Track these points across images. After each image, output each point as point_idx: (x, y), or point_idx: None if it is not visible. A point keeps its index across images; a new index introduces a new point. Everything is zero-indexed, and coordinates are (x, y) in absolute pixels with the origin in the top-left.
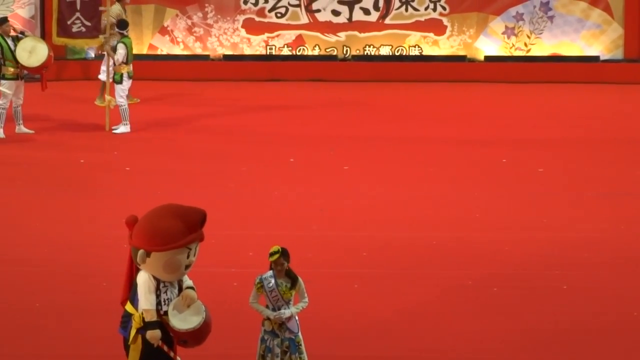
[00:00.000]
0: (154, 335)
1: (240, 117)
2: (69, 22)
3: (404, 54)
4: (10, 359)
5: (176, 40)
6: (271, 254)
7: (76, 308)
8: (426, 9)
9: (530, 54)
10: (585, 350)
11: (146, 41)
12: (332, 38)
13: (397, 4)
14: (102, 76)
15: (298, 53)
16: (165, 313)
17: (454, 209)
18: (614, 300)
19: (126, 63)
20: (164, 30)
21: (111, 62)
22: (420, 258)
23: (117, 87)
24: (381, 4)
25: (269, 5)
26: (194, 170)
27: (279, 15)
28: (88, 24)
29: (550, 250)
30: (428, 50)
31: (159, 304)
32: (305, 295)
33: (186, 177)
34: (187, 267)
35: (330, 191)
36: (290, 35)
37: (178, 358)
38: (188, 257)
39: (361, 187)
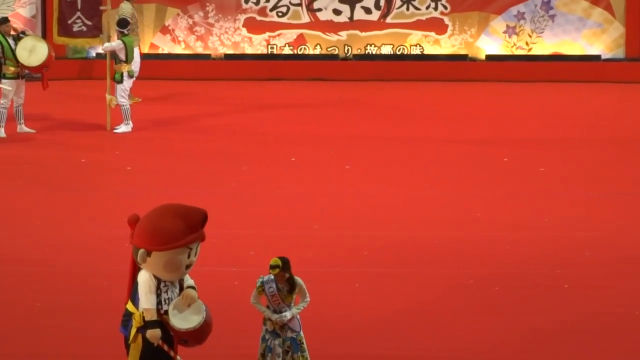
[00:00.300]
0: (154, 334)
1: (242, 116)
2: (69, 22)
3: (405, 53)
4: (11, 358)
5: (177, 39)
6: (272, 267)
7: (77, 307)
8: (427, 8)
9: (532, 53)
10: (586, 350)
11: (147, 40)
12: (333, 37)
13: (398, 3)
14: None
15: (299, 52)
16: (166, 312)
17: (455, 208)
18: (615, 299)
19: (126, 62)
20: (165, 30)
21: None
22: (422, 257)
23: (118, 86)
24: (382, 3)
25: (270, 5)
26: (195, 170)
27: (280, 14)
28: (89, 23)
29: (552, 249)
30: (429, 50)
31: (159, 303)
32: (307, 294)
33: (187, 177)
34: (187, 266)
35: (331, 190)
36: (291, 34)
37: (178, 358)
38: (189, 257)
39: (362, 187)
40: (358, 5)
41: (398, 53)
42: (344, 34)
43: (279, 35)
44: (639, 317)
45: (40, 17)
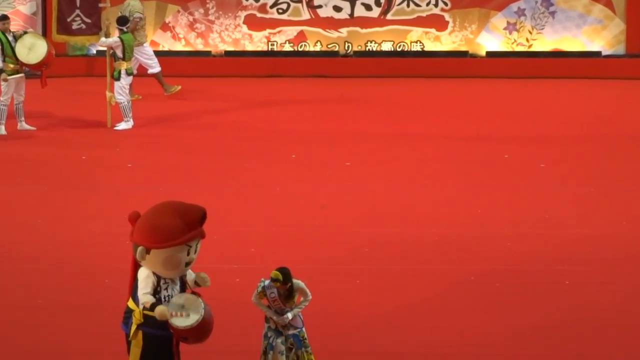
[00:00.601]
0: (161, 311)
1: (242, 113)
2: (68, 20)
3: (405, 49)
4: (12, 356)
5: (177, 36)
6: (272, 281)
7: (78, 305)
8: (428, 4)
9: (532, 49)
10: (586, 346)
11: (148, 37)
12: (333, 34)
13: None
14: (153, 70)
15: (300, 49)
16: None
17: (455, 205)
18: (615, 296)
19: (124, 59)
20: (165, 27)
21: (144, 59)
22: (422, 254)
23: (116, 84)
24: None
25: (270, 2)
26: (195, 167)
27: (280, 11)
28: (88, 20)
29: (552, 246)
30: (430, 46)
31: (159, 300)
32: (308, 293)
33: (188, 174)
34: (187, 264)
35: (332, 187)
36: (291, 31)
37: None
38: (188, 254)
39: (363, 183)
40: (358, 2)
41: (398, 50)
42: (344, 31)
43: (279, 32)
44: (639, 314)
45: (40, 15)
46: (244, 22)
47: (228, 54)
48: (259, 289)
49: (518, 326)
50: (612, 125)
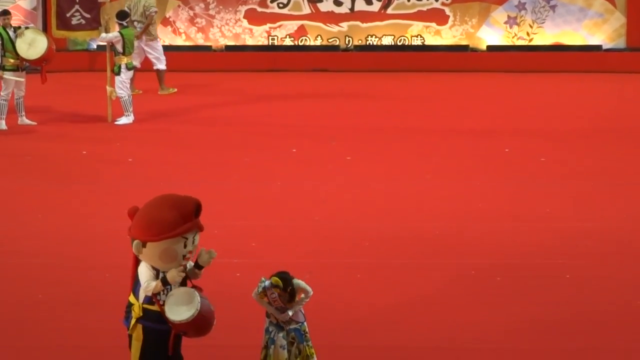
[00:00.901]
0: (172, 275)
1: (242, 107)
2: (68, 15)
3: (406, 43)
4: (13, 350)
5: (178, 31)
6: (273, 287)
7: (79, 300)
8: None
9: (533, 43)
10: (587, 340)
11: None
12: (334, 28)
13: None
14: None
15: (300, 43)
16: (164, 303)
17: (456, 199)
18: (616, 289)
19: (124, 54)
20: (166, 21)
21: (154, 54)
22: (423, 248)
23: (117, 78)
24: None
25: None
26: (196, 161)
27: (281, 5)
28: (87, 16)
29: (553, 240)
30: (430, 40)
31: (157, 294)
32: (309, 290)
33: (189, 168)
34: (185, 257)
35: (333, 182)
36: (292, 25)
37: None
38: (185, 246)
39: (363, 178)
40: None
41: (399, 44)
42: (344, 25)
43: (279, 26)
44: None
45: (40, 10)
46: (244, 17)
47: (228, 48)
48: (260, 289)
49: (518, 320)
50: (613, 119)
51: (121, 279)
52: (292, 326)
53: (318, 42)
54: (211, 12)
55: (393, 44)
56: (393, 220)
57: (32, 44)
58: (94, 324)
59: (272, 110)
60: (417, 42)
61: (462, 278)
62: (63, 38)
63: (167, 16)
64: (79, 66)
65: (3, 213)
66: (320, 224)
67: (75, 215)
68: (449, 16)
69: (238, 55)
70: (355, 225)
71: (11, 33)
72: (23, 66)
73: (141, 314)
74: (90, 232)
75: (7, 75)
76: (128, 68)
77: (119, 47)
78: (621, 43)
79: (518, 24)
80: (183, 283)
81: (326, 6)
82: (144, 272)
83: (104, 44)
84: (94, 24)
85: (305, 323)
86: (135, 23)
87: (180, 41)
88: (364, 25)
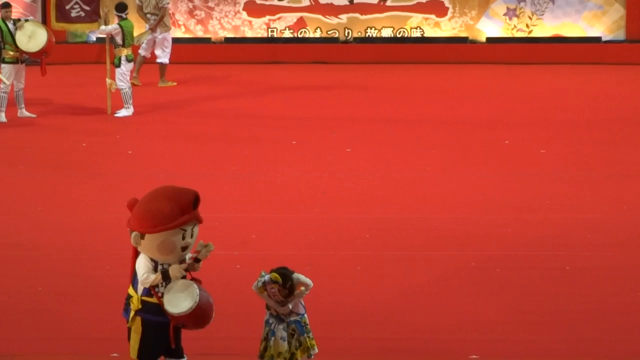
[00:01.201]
0: (174, 271)
1: (242, 100)
2: (67, 7)
3: (405, 36)
4: (14, 341)
5: (177, 23)
6: (272, 282)
7: (78, 291)
8: None
9: (532, 35)
10: (587, 331)
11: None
12: (333, 20)
13: None
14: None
15: (299, 35)
16: (162, 295)
17: (456, 191)
18: (616, 281)
19: (124, 46)
20: None
21: (162, 46)
22: (423, 240)
23: (117, 70)
24: None
25: None
26: (196, 153)
27: None
28: (87, 8)
29: (553, 231)
30: (430, 32)
31: (156, 286)
32: (309, 282)
33: (188, 160)
34: (183, 248)
35: (333, 173)
36: (291, 17)
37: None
38: (184, 238)
39: (363, 169)
40: None
41: (398, 36)
42: (344, 17)
43: (279, 18)
44: None
45: (40, 2)
46: (243, 9)
47: (228, 40)
48: (259, 283)
49: (519, 311)
50: (612, 110)
51: (121, 270)
52: (293, 318)
53: (317, 34)
54: (210, 4)
55: (392, 36)
56: (393, 212)
57: (32, 37)
58: (94, 315)
59: (271, 102)
60: (416, 34)
61: (462, 269)
62: (62, 30)
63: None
64: (78, 59)
65: (3, 205)
66: (320, 216)
67: (75, 207)
68: (448, 8)
69: (237, 47)
70: (356, 217)
71: (11, 25)
72: (23, 58)
73: (140, 307)
74: (90, 224)
75: (4, 70)
76: (128, 60)
77: (119, 40)
78: (620, 35)
79: (517, 16)
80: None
81: None
82: (142, 264)
83: (103, 36)
84: (94, 16)
85: (305, 315)
86: (149, 15)
87: (179, 33)
88: (363, 17)
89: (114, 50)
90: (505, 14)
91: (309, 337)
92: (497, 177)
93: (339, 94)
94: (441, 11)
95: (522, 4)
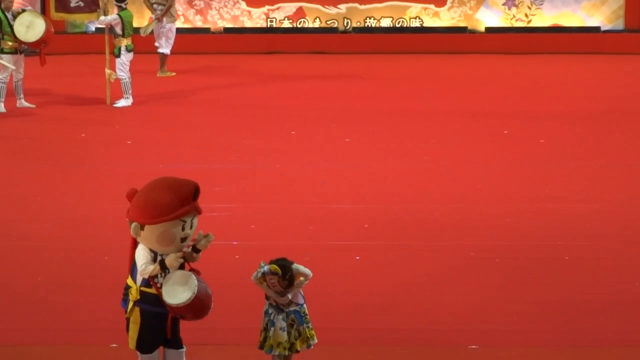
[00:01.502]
0: (171, 259)
1: (241, 90)
2: None
3: (404, 25)
4: (13, 332)
5: (177, 13)
6: (271, 273)
7: (77, 282)
8: None
9: (531, 25)
10: (586, 321)
11: (147, 15)
12: (332, 10)
13: None
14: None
15: (299, 25)
16: (161, 286)
17: (455, 181)
18: (615, 271)
19: (124, 36)
20: None
21: (166, 36)
22: (423, 230)
23: (117, 60)
24: None
25: None
26: (195, 143)
27: None
28: None
29: (552, 221)
30: (429, 22)
31: (155, 277)
32: (308, 272)
33: (187, 150)
34: (183, 239)
35: (332, 163)
36: (290, 7)
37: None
38: (183, 229)
39: (363, 160)
40: None
41: (397, 26)
42: (343, 7)
43: (278, 8)
44: (639, 289)
45: None
46: None
47: (227, 30)
48: (259, 274)
49: (517, 301)
50: (611, 100)
51: (120, 261)
52: (292, 308)
53: (317, 24)
54: None
55: (391, 25)
56: (392, 203)
57: (30, 27)
58: (93, 306)
59: (270, 93)
60: (415, 24)
61: (461, 259)
62: (61, 20)
63: None
64: (77, 49)
65: (1, 196)
66: (319, 206)
67: (74, 198)
68: None
69: (236, 37)
70: (355, 207)
71: (9, 16)
72: (21, 49)
73: (139, 297)
74: (89, 215)
75: (3, 60)
76: (128, 50)
77: (118, 30)
78: (619, 24)
79: (516, 6)
80: (181, 266)
81: None
82: (141, 254)
83: (103, 26)
84: (93, 6)
85: (305, 305)
86: (155, 5)
87: (178, 23)
88: (363, 7)
89: (114, 41)
90: (504, 4)
91: (308, 327)
92: (495, 167)
93: (338, 84)
94: (440, 1)
95: None
